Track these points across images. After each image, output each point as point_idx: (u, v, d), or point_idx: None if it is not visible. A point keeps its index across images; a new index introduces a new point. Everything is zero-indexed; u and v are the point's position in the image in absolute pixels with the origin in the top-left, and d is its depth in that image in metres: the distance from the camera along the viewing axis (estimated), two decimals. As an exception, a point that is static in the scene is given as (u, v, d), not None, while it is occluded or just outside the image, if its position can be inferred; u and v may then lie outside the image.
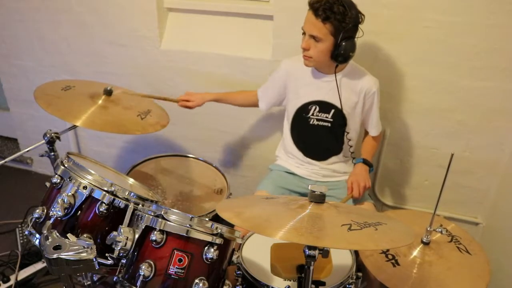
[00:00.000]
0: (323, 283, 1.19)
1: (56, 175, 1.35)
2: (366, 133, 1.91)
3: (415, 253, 1.37)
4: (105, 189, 1.29)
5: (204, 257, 1.18)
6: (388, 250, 1.40)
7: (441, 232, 1.39)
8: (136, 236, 1.19)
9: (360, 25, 1.60)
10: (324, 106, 1.76)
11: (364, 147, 1.88)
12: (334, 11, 1.52)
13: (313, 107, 1.77)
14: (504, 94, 1.83)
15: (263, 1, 2.10)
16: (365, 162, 1.79)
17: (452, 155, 1.24)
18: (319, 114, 1.78)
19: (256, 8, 2.10)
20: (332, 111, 1.76)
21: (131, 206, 1.29)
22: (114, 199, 1.30)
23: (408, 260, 1.36)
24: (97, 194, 1.29)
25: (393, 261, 1.36)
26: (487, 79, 1.82)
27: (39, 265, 2.04)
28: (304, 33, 1.62)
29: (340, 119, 1.76)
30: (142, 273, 1.14)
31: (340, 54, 1.59)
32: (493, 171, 1.99)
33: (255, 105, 1.96)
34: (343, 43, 1.57)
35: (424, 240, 1.37)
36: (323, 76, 1.74)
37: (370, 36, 1.88)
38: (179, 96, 1.92)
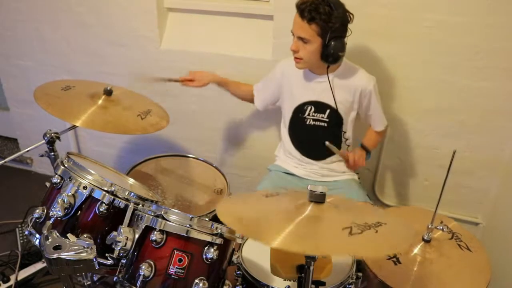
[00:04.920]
0: (323, 283, 1.19)
1: (56, 175, 1.35)
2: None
3: (416, 250, 1.37)
4: (105, 189, 1.29)
5: (204, 257, 1.18)
6: (389, 249, 1.39)
7: (442, 229, 1.39)
8: (136, 236, 1.19)
9: (349, 25, 1.59)
10: (319, 107, 1.76)
11: (366, 137, 1.88)
12: (320, 12, 1.51)
13: (309, 108, 1.78)
14: (504, 94, 1.83)
15: (263, 1, 2.10)
16: (363, 147, 1.80)
17: (454, 152, 1.24)
18: (315, 114, 1.78)
19: (256, 8, 2.10)
20: (328, 111, 1.76)
21: (131, 206, 1.29)
22: (114, 199, 1.30)
23: (409, 258, 1.36)
24: (97, 194, 1.29)
25: (394, 259, 1.36)
26: (487, 79, 1.82)
27: (39, 265, 2.04)
28: (294, 35, 1.62)
29: (336, 118, 1.76)
30: (142, 273, 1.14)
31: (330, 55, 1.58)
32: (493, 171, 1.99)
33: (250, 100, 1.98)
34: (332, 43, 1.56)
35: (425, 238, 1.38)
36: (316, 77, 1.74)
37: (370, 36, 1.88)
38: (182, 77, 1.91)
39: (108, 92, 1.68)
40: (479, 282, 1.31)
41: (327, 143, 1.67)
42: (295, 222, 0.97)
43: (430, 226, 1.36)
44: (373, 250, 0.94)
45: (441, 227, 1.39)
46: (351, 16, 1.59)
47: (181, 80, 1.91)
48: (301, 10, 1.54)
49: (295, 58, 1.65)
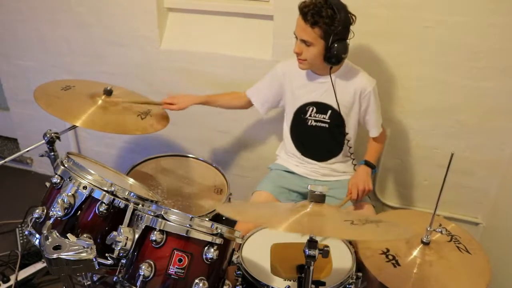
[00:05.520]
0: (323, 283, 1.19)
1: (56, 175, 1.35)
2: None
3: (415, 253, 1.37)
4: (105, 189, 1.29)
5: (204, 257, 1.18)
6: (388, 251, 1.40)
7: (441, 232, 1.39)
8: (136, 236, 1.19)
9: (351, 26, 1.59)
10: (321, 107, 1.76)
11: (368, 149, 1.87)
12: (323, 15, 1.51)
13: (311, 108, 1.78)
14: (504, 94, 1.83)
15: (263, 1, 2.10)
16: (367, 163, 1.79)
17: (452, 154, 1.24)
18: (317, 115, 1.78)
19: (256, 8, 2.10)
20: (329, 112, 1.76)
21: (131, 206, 1.29)
22: (114, 199, 1.30)
23: (409, 260, 1.36)
24: (97, 194, 1.29)
25: (393, 261, 1.36)
26: (487, 79, 1.82)
27: (39, 265, 2.04)
28: (296, 37, 1.63)
29: (337, 119, 1.76)
30: (142, 273, 1.14)
31: (333, 56, 1.58)
32: (493, 171, 1.99)
33: (242, 105, 1.95)
34: (335, 46, 1.56)
35: (424, 240, 1.38)
36: (318, 77, 1.74)
37: (370, 36, 1.88)
38: (162, 99, 1.87)
39: (108, 92, 1.68)
40: (479, 284, 1.31)
41: None
42: (298, 215, 0.97)
43: (429, 229, 1.36)
44: (374, 235, 0.94)
45: (440, 229, 1.39)
46: (354, 17, 1.58)
47: (162, 104, 1.85)
48: (304, 13, 1.54)
49: (299, 59, 1.66)
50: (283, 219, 0.94)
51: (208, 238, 1.18)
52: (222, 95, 1.98)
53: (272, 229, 0.92)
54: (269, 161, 2.02)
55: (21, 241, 2.18)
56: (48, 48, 2.50)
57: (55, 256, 1.09)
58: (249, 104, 1.94)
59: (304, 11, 1.54)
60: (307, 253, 0.99)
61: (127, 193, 1.32)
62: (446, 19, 1.77)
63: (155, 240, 1.16)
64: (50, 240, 1.14)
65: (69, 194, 1.28)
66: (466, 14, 1.74)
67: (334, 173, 1.87)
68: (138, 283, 1.14)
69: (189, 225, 1.17)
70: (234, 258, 1.28)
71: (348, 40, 1.60)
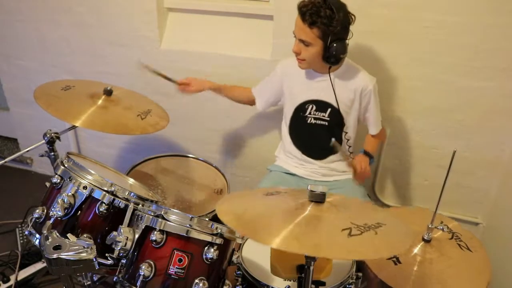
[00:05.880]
0: (323, 283, 1.19)
1: (56, 175, 1.35)
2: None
3: (416, 250, 1.37)
4: (105, 189, 1.30)
5: (204, 257, 1.18)
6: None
7: (442, 229, 1.39)
8: (136, 236, 1.20)
9: (351, 26, 1.59)
10: (321, 105, 1.76)
11: (366, 142, 1.88)
12: (321, 15, 1.51)
13: (310, 106, 1.78)
14: (504, 94, 1.83)
15: (263, 1, 2.10)
16: (365, 153, 1.79)
17: (454, 152, 1.24)
18: (316, 113, 1.78)
19: (256, 8, 2.10)
20: (329, 110, 1.76)
21: (131, 206, 1.29)
22: (114, 199, 1.30)
23: (409, 257, 1.36)
24: (97, 194, 1.29)
25: (394, 259, 1.36)
26: (487, 79, 1.82)
27: (39, 265, 2.04)
28: (295, 37, 1.63)
29: (337, 117, 1.76)
30: (142, 273, 1.14)
31: (331, 56, 1.58)
32: (493, 171, 1.99)
33: (249, 101, 1.97)
34: (334, 46, 1.56)
35: (425, 238, 1.38)
36: (318, 75, 1.74)
37: (370, 36, 1.88)
38: (180, 79, 1.90)
39: (108, 92, 1.68)
40: (479, 282, 1.31)
41: (333, 140, 1.56)
42: (294, 223, 0.97)
43: (430, 226, 1.36)
44: (372, 252, 0.94)
45: (441, 227, 1.39)
46: (353, 17, 1.58)
47: (179, 83, 1.89)
48: (303, 13, 1.54)
49: (298, 59, 1.66)
50: (278, 230, 0.93)
51: (208, 238, 1.18)
52: (234, 87, 1.99)
53: (264, 244, 0.92)
54: (268, 161, 2.02)
55: (21, 241, 2.18)
56: (48, 48, 2.50)
57: (55, 256, 1.09)
58: (254, 102, 1.96)
59: (302, 11, 1.54)
60: (307, 253, 0.99)
61: (127, 193, 1.32)
62: (446, 19, 1.77)
63: (155, 240, 1.16)
64: (50, 240, 1.14)
65: (69, 194, 1.29)
66: (466, 14, 1.74)
67: (333, 172, 1.87)
68: (138, 283, 1.14)
69: (189, 225, 1.17)
70: (234, 258, 1.28)
71: (347, 40, 1.60)
